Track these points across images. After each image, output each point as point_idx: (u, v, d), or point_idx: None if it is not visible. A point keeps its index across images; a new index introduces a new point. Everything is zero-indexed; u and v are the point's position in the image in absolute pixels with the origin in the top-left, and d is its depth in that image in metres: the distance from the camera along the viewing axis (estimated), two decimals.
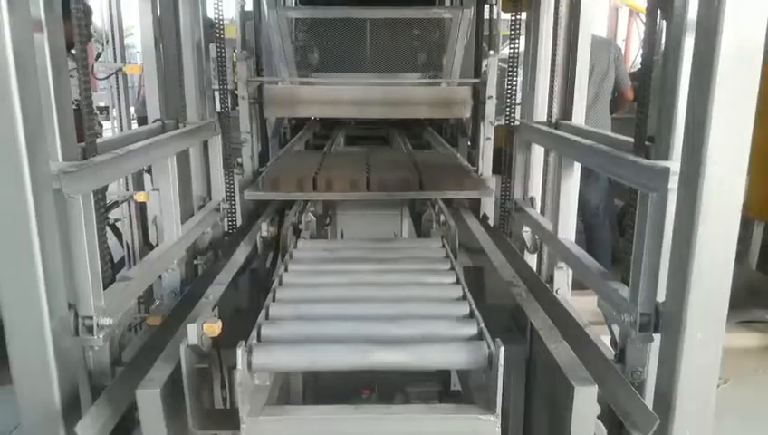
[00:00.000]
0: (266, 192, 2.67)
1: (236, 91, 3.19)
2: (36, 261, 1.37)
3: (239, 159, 3.22)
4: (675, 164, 1.43)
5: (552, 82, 2.51)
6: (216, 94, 2.94)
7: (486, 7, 4.39)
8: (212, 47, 2.89)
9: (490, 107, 3.11)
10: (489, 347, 1.33)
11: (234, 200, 2.86)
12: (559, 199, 2.18)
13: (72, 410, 1.46)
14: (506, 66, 2.88)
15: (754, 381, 2.85)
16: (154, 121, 2.36)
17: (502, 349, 1.26)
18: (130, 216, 2.94)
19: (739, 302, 3.66)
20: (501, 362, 1.26)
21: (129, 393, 1.44)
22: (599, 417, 1.69)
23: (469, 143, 3.77)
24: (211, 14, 2.81)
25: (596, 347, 1.70)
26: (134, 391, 1.35)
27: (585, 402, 1.35)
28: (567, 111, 2.46)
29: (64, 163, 1.47)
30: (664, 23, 1.58)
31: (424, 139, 4.82)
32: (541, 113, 2.62)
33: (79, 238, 1.48)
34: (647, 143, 1.64)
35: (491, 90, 3.12)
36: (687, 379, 1.43)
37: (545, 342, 1.56)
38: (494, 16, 4.64)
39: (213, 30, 2.81)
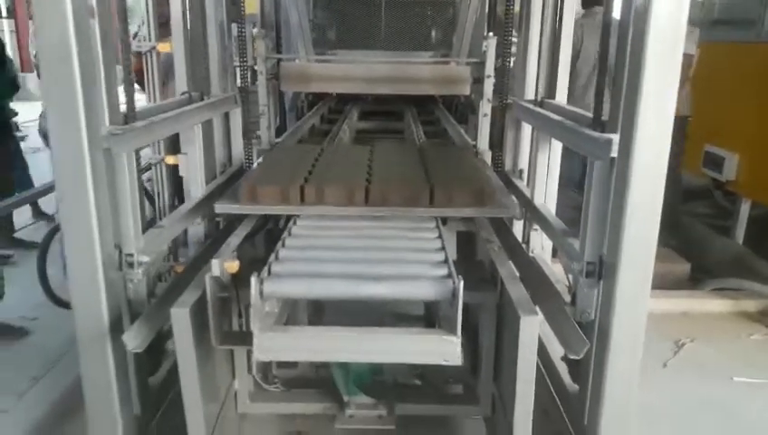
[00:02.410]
0: (243, 205, 2.09)
1: (255, 67, 3.47)
2: (91, 208, 1.70)
3: (258, 132, 3.53)
4: (617, 137, 1.70)
5: (539, 64, 2.78)
6: (237, 70, 3.23)
7: None
8: (234, 26, 3.19)
9: (488, 85, 3.37)
10: (453, 283, 1.63)
11: (251, 166, 3.18)
12: (536, 169, 2.46)
13: (115, 330, 1.81)
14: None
15: (719, 342, 3.13)
16: (182, 94, 2.67)
17: (461, 283, 1.56)
18: (162, 178, 3.29)
19: (722, 273, 3.92)
20: (461, 293, 1.56)
21: (162, 316, 1.78)
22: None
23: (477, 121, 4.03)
24: None
25: (554, 294, 2.01)
26: (169, 310, 1.67)
27: (529, 330, 1.65)
28: (551, 91, 2.73)
29: (112, 127, 1.79)
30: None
31: (435, 115, 5.07)
32: (530, 93, 2.90)
33: (123, 189, 1.81)
34: (603, 119, 1.92)
35: (489, 69, 3.37)
36: (621, 314, 1.74)
37: (507, 286, 1.86)
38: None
39: (235, 8, 3.09)
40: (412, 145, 3.34)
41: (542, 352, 2.48)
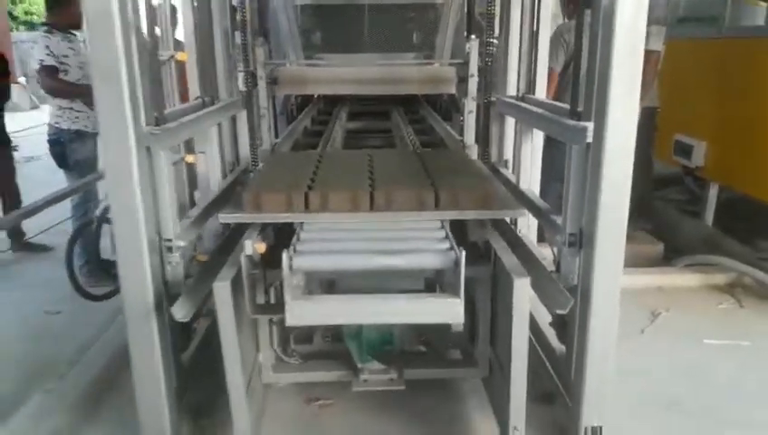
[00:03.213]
0: (247, 213, 2.10)
1: (256, 73, 3.71)
2: (137, 199, 1.95)
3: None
4: (592, 124, 1.99)
5: (519, 62, 3.07)
6: (240, 75, 3.47)
7: None
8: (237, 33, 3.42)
9: (472, 84, 3.64)
10: (456, 254, 1.90)
11: (257, 165, 3.42)
12: (520, 158, 2.74)
13: (158, 306, 2.05)
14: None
15: (691, 311, 3.44)
16: (195, 99, 2.91)
17: (464, 253, 1.83)
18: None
19: (693, 252, 4.23)
20: (463, 262, 1.82)
21: (201, 292, 2.04)
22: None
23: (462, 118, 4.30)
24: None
25: (540, 264, 2.30)
26: (212, 283, 1.92)
27: (521, 291, 1.93)
28: (532, 87, 3.02)
29: (150, 127, 2.03)
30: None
31: (420, 114, 5.35)
32: (512, 89, 3.18)
33: (161, 182, 2.06)
34: (579, 109, 2.20)
35: (473, 69, 3.65)
36: (599, 277, 2.02)
37: (500, 257, 2.13)
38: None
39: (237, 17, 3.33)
40: (410, 150, 3.47)
41: (532, 320, 2.76)
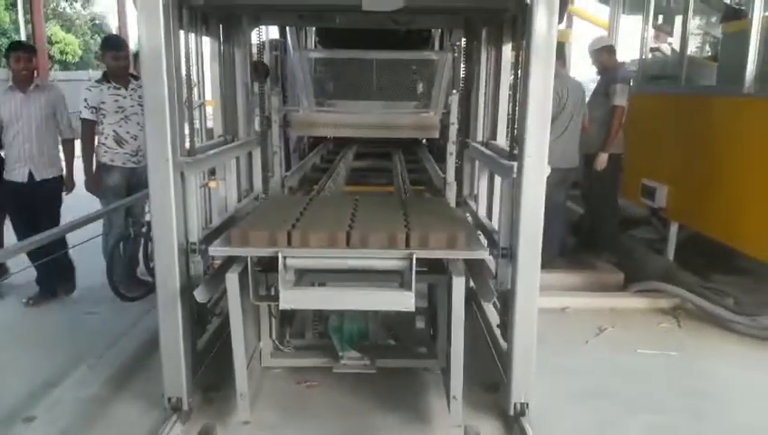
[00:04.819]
0: (234, 247, 2.51)
1: (270, 116, 4.40)
2: (172, 211, 2.59)
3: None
4: (516, 164, 2.61)
5: (485, 113, 3.72)
6: (256, 118, 4.16)
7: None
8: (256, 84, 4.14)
9: (452, 131, 4.29)
10: (411, 259, 2.49)
11: (267, 194, 4.08)
12: (479, 192, 3.38)
13: (183, 293, 2.67)
14: None
15: (633, 328, 3.97)
16: (219, 136, 3.60)
17: (414, 258, 2.42)
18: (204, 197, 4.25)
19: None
20: (414, 264, 2.41)
21: (217, 284, 2.67)
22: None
23: (457, 161, 4.86)
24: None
25: (483, 273, 2.90)
26: (224, 275, 2.54)
27: (458, 286, 2.51)
28: (494, 133, 3.66)
29: (184, 157, 2.69)
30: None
31: (418, 155, 6.00)
32: (480, 136, 3.83)
33: (191, 199, 2.71)
34: (514, 152, 2.82)
35: (453, 118, 4.31)
36: (521, 282, 2.62)
37: (450, 267, 2.72)
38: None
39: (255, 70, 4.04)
40: (394, 195, 3.94)
41: (486, 323, 3.36)
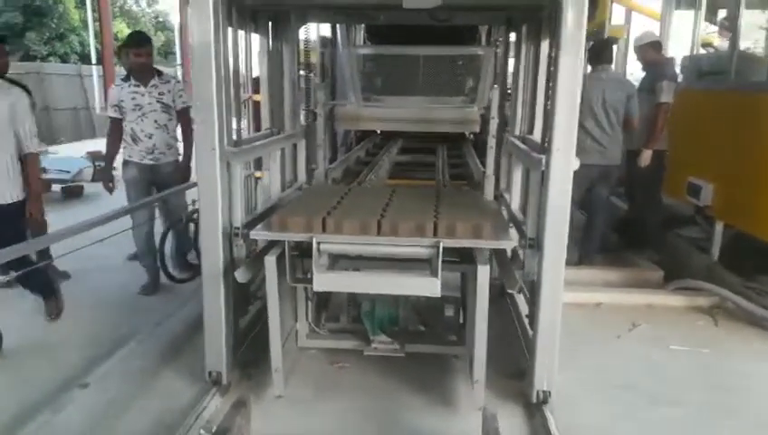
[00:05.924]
0: (273, 232, 2.72)
1: (316, 111, 4.57)
2: (218, 198, 2.79)
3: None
4: (545, 157, 2.68)
5: (523, 108, 3.79)
6: (302, 112, 4.35)
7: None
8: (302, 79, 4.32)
9: (493, 125, 4.36)
10: (438, 247, 2.60)
11: (311, 184, 4.26)
12: (512, 185, 3.46)
13: (226, 273, 2.87)
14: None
15: (668, 325, 3.96)
16: (266, 129, 3.79)
17: (441, 247, 2.54)
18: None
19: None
20: (441, 252, 2.53)
21: (257, 266, 2.85)
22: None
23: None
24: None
25: (508, 262, 2.98)
26: (264, 258, 2.72)
27: (482, 275, 2.61)
28: (531, 128, 3.72)
29: (230, 147, 2.88)
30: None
31: (462, 150, 6.08)
32: (518, 130, 3.90)
33: (236, 187, 2.91)
34: (546, 145, 2.89)
35: (494, 112, 4.38)
36: (546, 272, 2.69)
37: (476, 256, 2.81)
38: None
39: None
40: (431, 188, 4.04)
41: (517, 313, 3.45)
